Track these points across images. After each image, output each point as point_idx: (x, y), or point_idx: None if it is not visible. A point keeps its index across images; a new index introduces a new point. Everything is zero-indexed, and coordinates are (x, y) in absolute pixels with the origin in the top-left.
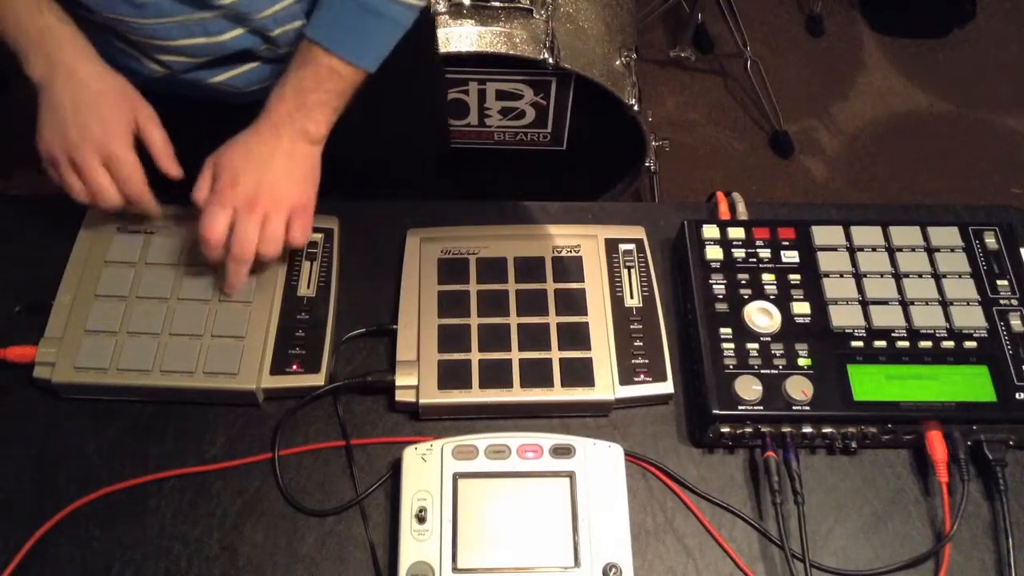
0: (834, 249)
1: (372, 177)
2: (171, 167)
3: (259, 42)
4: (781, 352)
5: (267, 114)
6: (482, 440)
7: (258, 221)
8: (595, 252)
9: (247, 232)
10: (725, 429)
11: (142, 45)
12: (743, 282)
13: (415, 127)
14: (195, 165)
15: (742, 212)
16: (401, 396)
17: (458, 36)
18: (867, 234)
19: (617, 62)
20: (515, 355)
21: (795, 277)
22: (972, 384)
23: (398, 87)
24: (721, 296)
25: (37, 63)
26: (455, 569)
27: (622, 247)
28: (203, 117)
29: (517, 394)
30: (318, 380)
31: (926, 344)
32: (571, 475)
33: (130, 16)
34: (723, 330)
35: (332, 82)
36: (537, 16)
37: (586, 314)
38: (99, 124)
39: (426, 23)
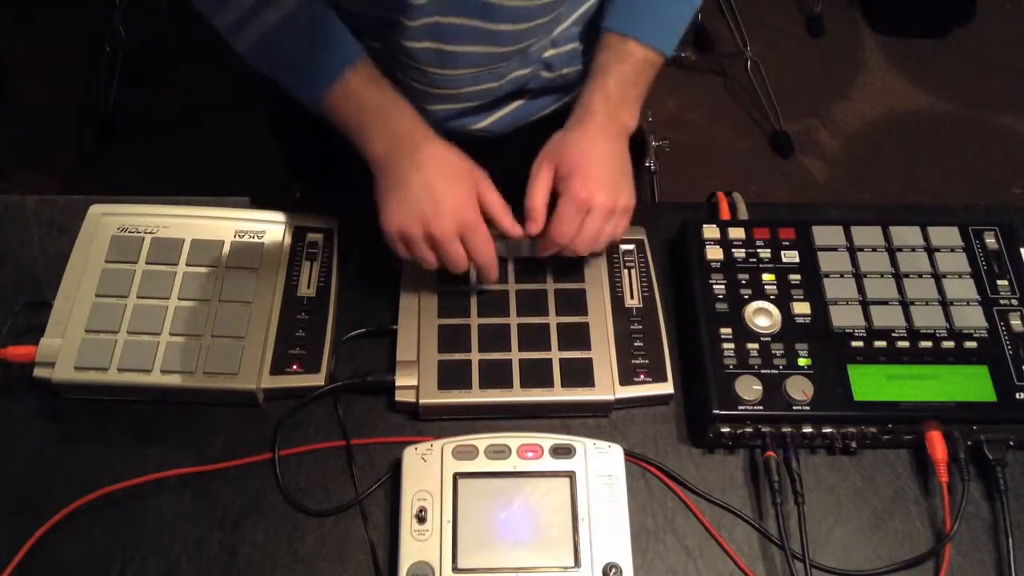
0: (834, 249)
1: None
2: (514, 231)
3: (534, 72)
4: (781, 352)
5: (591, 112)
6: (482, 440)
7: (605, 220)
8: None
9: (595, 231)
10: (725, 429)
11: (419, 92)
12: (743, 282)
13: None
14: None
15: (742, 212)
16: (401, 396)
17: None
18: (867, 234)
19: None
20: (515, 355)
21: (795, 277)
22: (972, 384)
23: None
24: (721, 296)
25: (379, 139)
26: (455, 569)
27: (622, 247)
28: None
29: (517, 394)
30: (318, 380)
31: (926, 344)
32: (571, 475)
33: (428, 64)
34: (723, 330)
35: (647, 74)
36: None
37: (586, 314)
38: (452, 198)
39: None
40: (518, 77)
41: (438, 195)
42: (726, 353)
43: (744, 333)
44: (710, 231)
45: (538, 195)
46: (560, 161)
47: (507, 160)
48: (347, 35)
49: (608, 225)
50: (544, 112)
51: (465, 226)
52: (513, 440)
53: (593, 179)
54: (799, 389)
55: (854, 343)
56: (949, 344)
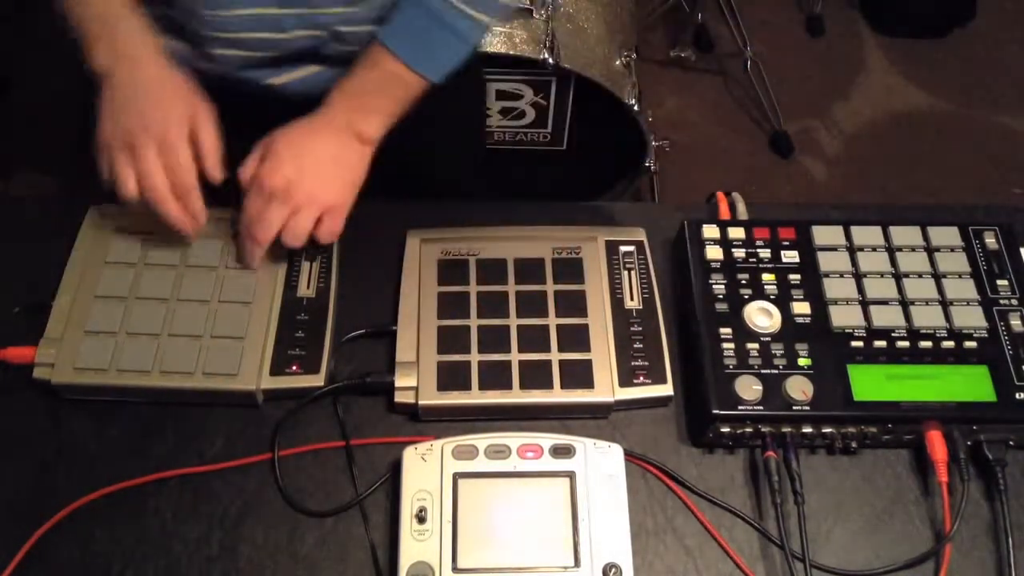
0: (834, 249)
1: (412, 179)
2: (215, 171)
3: (326, 40)
4: (781, 352)
5: (325, 109)
6: (482, 440)
7: (287, 211)
8: (595, 254)
9: (272, 219)
10: (725, 429)
11: (200, 37)
12: (743, 282)
13: (457, 130)
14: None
15: (742, 212)
16: (400, 397)
17: None
18: (867, 234)
19: (617, 62)
20: (515, 356)
21: (795, 277)
22: (972, 384)
23: (441, 90)
24: (721, 296)
25: (101, 52)
26: (455, 569)
27: (622, 249)
28: (260, 121)
29: (516, 396)
30: (318, 381)
31: (926, 344)
32: (571, 475)
33: (200, 6)
34: (723, 330)
35: (395, 88)
36: (537, 16)
37: (586, 316)
38: (160, 114)
39: None
40: (307, 37)
41: (145, 110)
42: (726, 353)
43: (744, 333)
44: (710, 231)
45: (244, 171)
46: (268, 142)
47: None
48: None
49: (298, 218)
50: None
51: (165, 145)
52: (513, 440)
53: (284, 164)
54: (799, 389)
55: (854, 343)
56: (949, 344)
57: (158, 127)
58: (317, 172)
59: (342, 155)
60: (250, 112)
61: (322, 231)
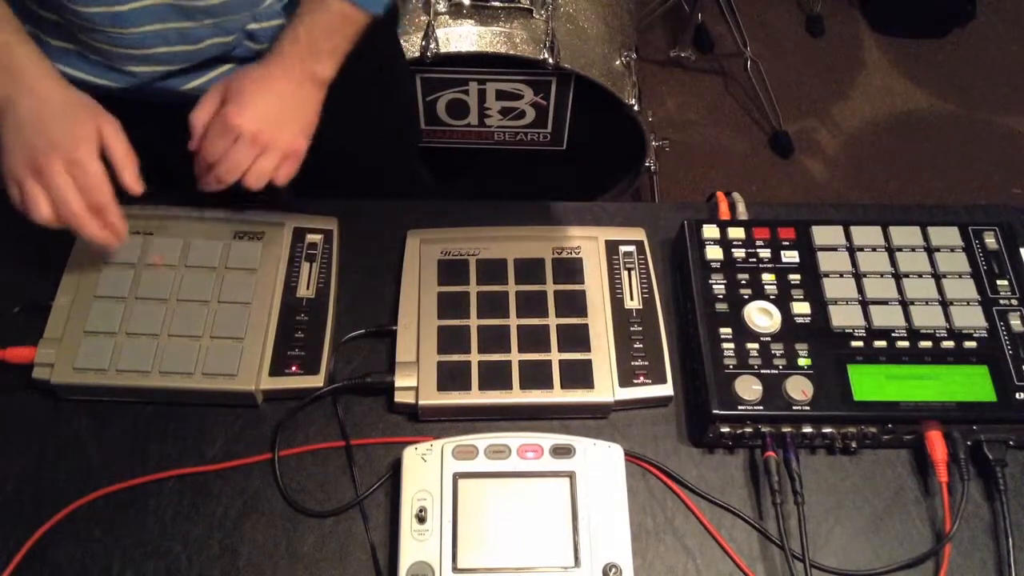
0: (834, 249)
1: (351, 174)
2: (133, 183)
3: (239, 41)
4: (781, 352)
5: (279, 53)
6: (482, 440)
7: (254, 153)
8: (595, 254)
9: (239, 160)
10: (725, 429)
11: (112, 55)
12: (743, 282)
13: (383, 118)
14: (159, 174)
15: (742, 212)
16: (400, 397)
17: (458, 36)
18: (867, 234)
19: (617, 62)
20: (515, 357)
21: (795, 277)
22: (972, 384)
23: (363, 78)
24: (721, 296)
25: None
26: (455, 569)
27: (622, 249)
28: (168, 127)
29: (516, 396)
30: (317, 381)
31: (926, 344)
32: (571, 475)
33: (106, 25)
34: (723, 330)
35: (344, 27)
36: (537, 16)
37: (586, 316)
38: (64, 134)
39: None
40: (219, 44)
41: (48, 132)
42: (726, 353)
43: (744, 333)
44: (710, 231)
45: (199, 114)
46: (228, 86)
47: None
48: None
49: (263, 160)
50: None
51: (74, 162)
52: (513, 440)
53: (249, 107)
54: (799, 389)
55: (854, 343)
56: (949, 344)
57: (65, 145)
58: (281, 116)
59: (301, 99)
60: (165, 118)
61: (281, 175)
